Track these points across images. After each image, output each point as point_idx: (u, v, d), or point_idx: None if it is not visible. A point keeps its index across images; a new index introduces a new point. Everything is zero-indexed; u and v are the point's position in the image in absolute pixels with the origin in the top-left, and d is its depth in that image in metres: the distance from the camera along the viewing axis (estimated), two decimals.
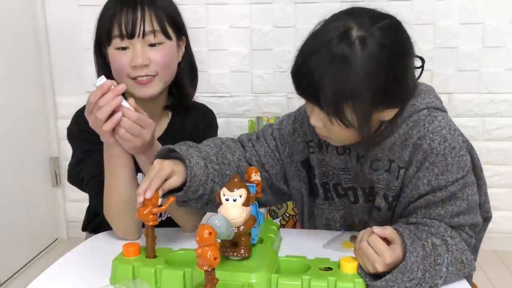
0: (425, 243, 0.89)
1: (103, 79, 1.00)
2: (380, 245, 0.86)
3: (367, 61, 0.86)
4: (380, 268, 0.85)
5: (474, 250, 1.16)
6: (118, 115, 0.99)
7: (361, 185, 1.08)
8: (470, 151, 1.04)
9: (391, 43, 0.89)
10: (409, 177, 1.00)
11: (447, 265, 0.91)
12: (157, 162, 0.95)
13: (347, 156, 1.06)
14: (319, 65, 0.88)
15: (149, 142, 1.06)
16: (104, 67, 1.20)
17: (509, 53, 2.25)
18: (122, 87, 1.00)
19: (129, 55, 1.12)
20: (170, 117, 1.28)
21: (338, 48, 0.87)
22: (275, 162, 1.14)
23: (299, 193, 1.16)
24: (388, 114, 0.95)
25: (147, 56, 1.11)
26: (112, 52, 1.14)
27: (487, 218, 1.13)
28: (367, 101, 0.88)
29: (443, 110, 1.02)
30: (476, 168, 1.06)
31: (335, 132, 0.95)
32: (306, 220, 1.20)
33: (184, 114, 1.27)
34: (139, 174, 1.23)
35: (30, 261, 2.37)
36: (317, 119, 0.95)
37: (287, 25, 2.30)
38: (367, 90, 0.87)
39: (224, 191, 0.83)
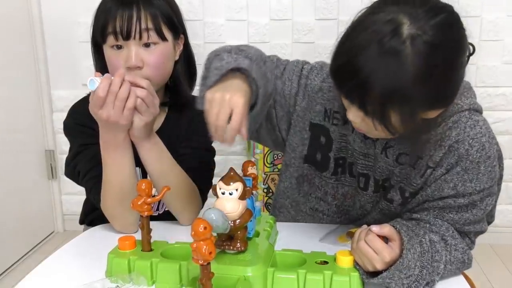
0: (423, 239, 0.89)
1: (94, 80, 0.99)
2: (378, 244, 0.85)
3: (417, 62, 0.78)
4: (379, 266, 0.85)
5: None
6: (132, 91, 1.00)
7: (375, 175, 1.04)
8: (499, 159, 0.99)
9: (445, 42, 0.81)
10: (434, 178, 0.96)
11: (445, 263, 0.90)
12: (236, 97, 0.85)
13: (372, 143, 1.01)
14: (366, 65, 0.79)
15: (152, 123, 1.06)
16: (101, 63, 1.19)
17: (506, 47, 2.25)
18: (122, 72, 1.01)
19: (123, 55, 1.11)
20: (166, 112, 1.27)
21: (387, 46, 0.78)
22: (286, 106, 1.08)
23: (294, 153, 1.12)
24: (433, 113, 0.87)
25: (140, 58, 1.11)
26: (107, 51, 1.14)
27: (488, 223, 1.13)
28: (414, 103, 0.80)
29: (481, 112, 0.98)
30: (499, 178, 1.02)
31: (372, 131, 0.88)
32: (294, 186, 1.16)
33: (180, 109, 1.27)
34: (137, 169, 1.23)
35: (26, 254, 2.37)
36: (355, 115, 0.87)
37: (284, 18, 2.30)
38: (416, 92, 0.79)
39: (220, 184, 0.83)
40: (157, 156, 1.11)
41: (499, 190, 1.05)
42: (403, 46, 0.78)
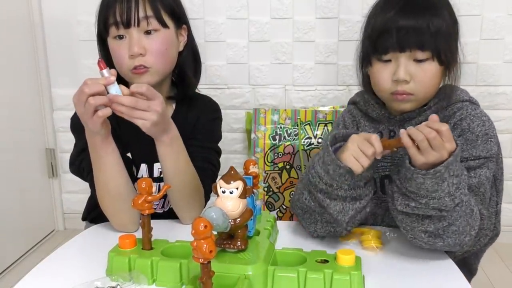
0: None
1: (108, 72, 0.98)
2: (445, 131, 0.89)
3: (444, 4, 1.06)
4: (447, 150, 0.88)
5: (476, 258, 1.20)
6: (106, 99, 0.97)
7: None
8: (498, 148, 1.08)
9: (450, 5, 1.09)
10: None
11: (468, 194, 0.93)
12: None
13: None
14: (415, 14, 1.01)
15: (163, 123, 1.02)
16: (108, 60, 1.20)
17: (507, 46, 2.25)
18: (112, 79, 0.98)
19: (126, 44, 1.12)
20: (173, 108, 1.27)
21: None
22: None
23: None
24: (454, 66, 1.08)
25: (142, 45, 1.11)
26: (111, 43, 1.15)
27: (495, 234, 1.15)
28: (454, 35, 1.06)
29: (479, 105, 1.12)
30: (496, 180, 1.10)
31: (422, 80, 1.04)
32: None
33: (188, 105, 1.27)
34: (143, 165, 1.23)
35: (27, 252, 2.37)
36: (406, 72, 1.03)
37: (284, 17, 2.29)
38: (453, 26, 1.06)
39: (220, 183, 0.83)
40: (174, 153, 1.10)
41: (501, 189, 1.11)
42: None
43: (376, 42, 1.05)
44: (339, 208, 0.99)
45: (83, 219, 1.41)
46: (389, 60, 1.06)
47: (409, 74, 1.04)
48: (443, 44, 1.02)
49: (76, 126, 1.24)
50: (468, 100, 1.10)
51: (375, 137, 0.93)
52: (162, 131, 1.05)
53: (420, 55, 1.03)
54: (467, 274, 1.21)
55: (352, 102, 1.23)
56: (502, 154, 1.13)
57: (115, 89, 0.97)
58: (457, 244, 0.94)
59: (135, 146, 1.17)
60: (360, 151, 0.93)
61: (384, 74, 1.07)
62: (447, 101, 1.09)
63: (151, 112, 0.99)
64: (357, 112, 1.20)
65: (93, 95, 0.95)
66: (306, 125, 2.12)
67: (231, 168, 0.85)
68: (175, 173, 1.11)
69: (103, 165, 1.08)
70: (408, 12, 1.02)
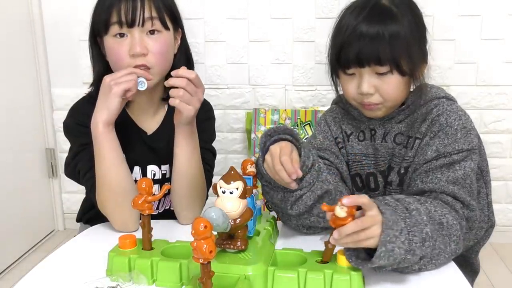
0: (386, 200, 0.89)
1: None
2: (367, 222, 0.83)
3: (404, 12, 1.04)
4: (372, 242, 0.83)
5: (475, 252, 1.21)
6: None
7: (379, 168, 1.13)
8: (479, 140, 1.11)
9: (414, 7, 1.09)
10: (421, 147, 1.07)
11: (425, 213, 0.89)
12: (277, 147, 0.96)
13: (368, 142, 1.15)
14: (371, 28, 1.01)
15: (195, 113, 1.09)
16: (99, 59, 1.19)
17: (507, 46, 2.25)
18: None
19: (127, 43, 1.12)
20: (166, 109, 1.27)
21: (380, 7, 1.03)
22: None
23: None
24: (422, 70, 1.08)
25: (145, 45, 1.12)
26: (109, 41, 1.14)
27: (490, 225, 1.18)
28: (416, 42, 1.04)
29: (455, 101, 1.13)
30: (483, 172, 1.12)
31: (386, 92, 1.04)
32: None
33: None
34: (136, 168, 1.23)
35: (27, 252, 2.37)
36: (370, 85, 1.04)
37: (284, 17, 2.30)
38: (413, 32, 1.03)
39: (220, 183, 0.83)
40: (191, 144, 1.12)
41: (489, 181, 1.16)
42: (390, 3, 1.05)
43: (339, 57, 1.05)
44: (280, 197, 1.01)
45: (78, 220, 1.41)
46: (354, 73, 1.06)
47: (373, 87, 1.04)
48: (401, 55, 1.01)
49: (70, 130, 1.24)
50: (444, 97, 1.10)
51: (284, 159, 0.92)
52: (190, 121, 1.10)
53: (380, 69, 1.02)
54: (470, 273, 1.22)
55: (335, 102, 1.24)
56: (483, 146, 1.16)
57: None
58: (449, 258, 0.94)
59: (128, 149, 1.17)
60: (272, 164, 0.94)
61: (350, 86, 1.07)
62: (423, 98, 1.09)
63: (195, 99, 1.06)
64: (339, 111, 1.20)
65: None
66: (306, 125, 2.12)
67: (231, 168, 0.85)
68: (188, 166, 1.12)
69: (104, 155, 1.08)
70: (365, 25, 1.01)
